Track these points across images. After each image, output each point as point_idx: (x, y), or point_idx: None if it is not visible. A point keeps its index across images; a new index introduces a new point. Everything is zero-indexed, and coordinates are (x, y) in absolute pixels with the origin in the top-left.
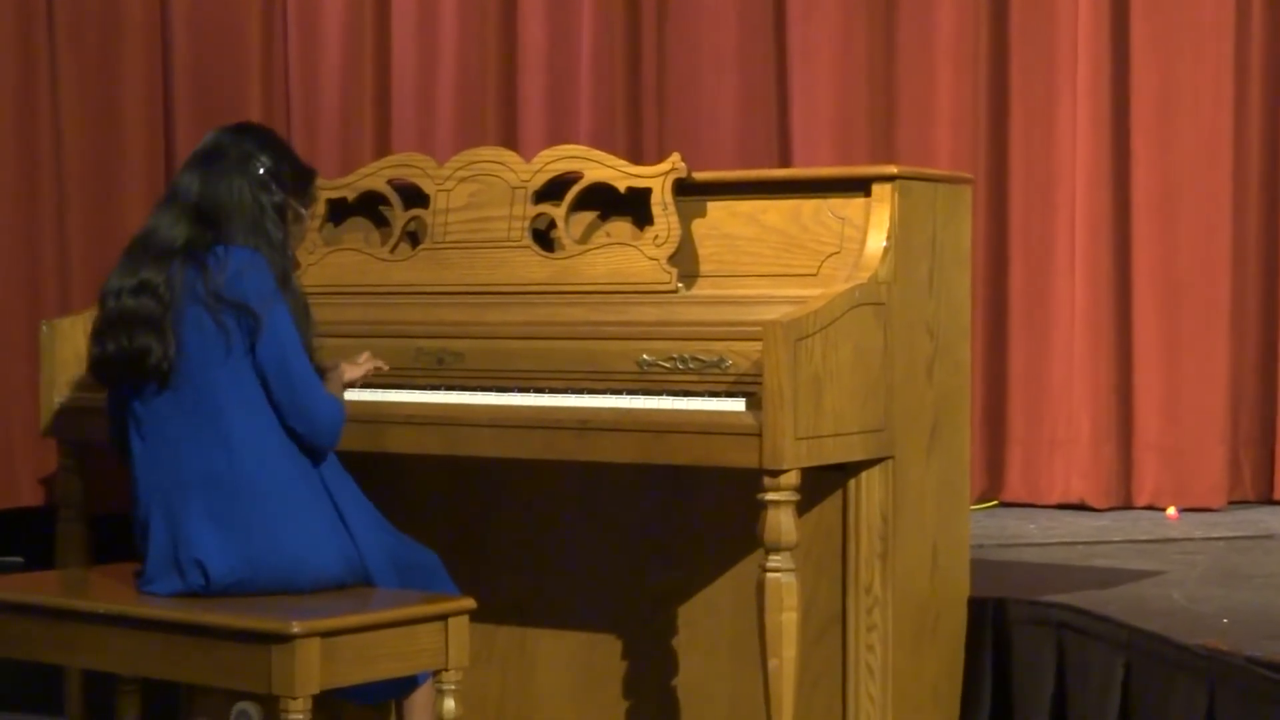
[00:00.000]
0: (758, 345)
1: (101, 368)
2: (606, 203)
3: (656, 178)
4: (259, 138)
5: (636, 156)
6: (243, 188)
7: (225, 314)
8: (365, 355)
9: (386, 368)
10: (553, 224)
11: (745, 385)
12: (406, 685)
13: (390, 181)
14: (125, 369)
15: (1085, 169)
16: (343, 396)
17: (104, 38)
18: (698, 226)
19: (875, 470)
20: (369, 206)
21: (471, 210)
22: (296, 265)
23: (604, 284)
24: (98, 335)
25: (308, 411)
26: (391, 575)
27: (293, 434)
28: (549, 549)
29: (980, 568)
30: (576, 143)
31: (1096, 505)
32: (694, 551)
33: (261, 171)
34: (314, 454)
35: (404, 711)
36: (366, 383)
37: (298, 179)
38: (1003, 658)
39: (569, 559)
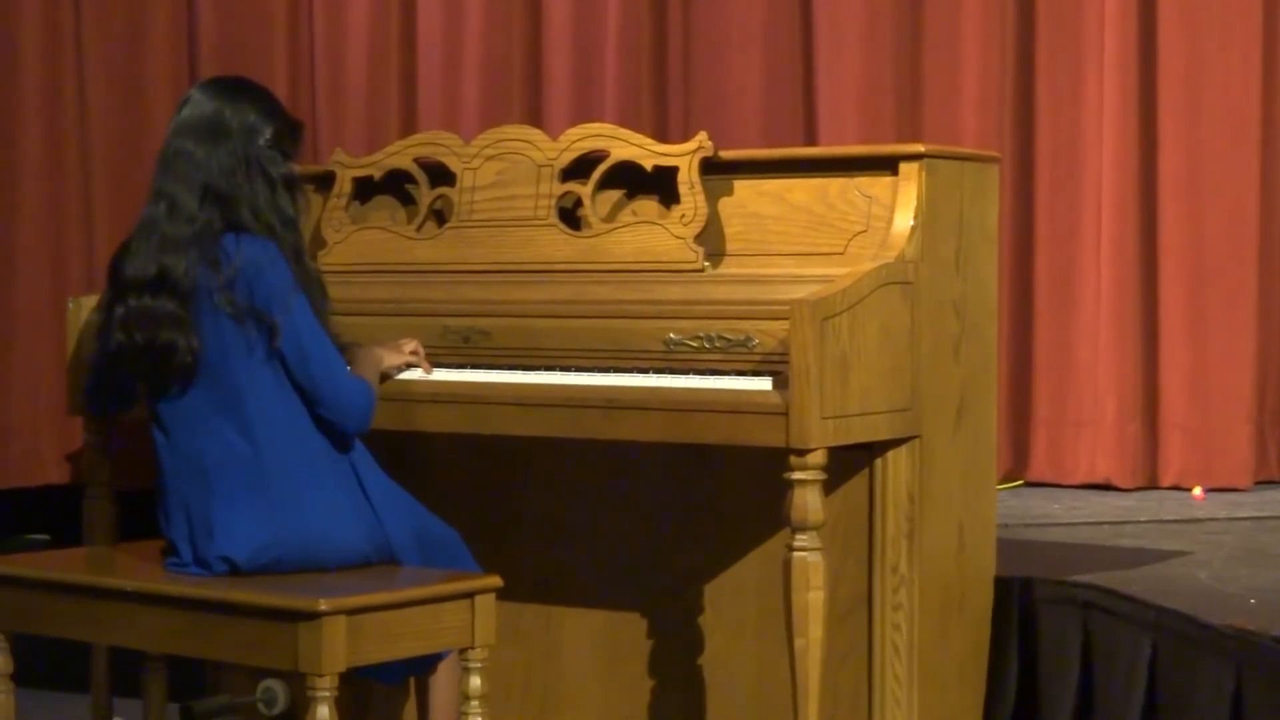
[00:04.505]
0: (784, 324)
1: (125, 359)
2: (633, 181)
3: (683, 156)
4: (258, 104)
5: (662, 134)
6: (254, 168)
7: (241, 316)
8: (413, 345)
9: (423, 353)
10: (579, 202)
11: (772, 364)
12: (428, 662)
13: (416, 160)
14: (150, 365)
15: (1112, 148)
16: (376, 380)
17: (130, 14)
18: (724, 205)
19: (902, 450)
20: (395, 185)
21: (498, 188)
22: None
23: (630, 263)
24: (122, 324)
25: (330, 398)
26: (415, 552)
27: (320, 419)
28: (575, 527)
29: (1006, 547)
30: (602, 121)
31: (1122, 485)
32: (720, 530)
33: (267, 145)
34: (342, 439)
35: (427, 689)
36: None
37: (294, 140)
38: (1029, 637)
39: (595, 537)
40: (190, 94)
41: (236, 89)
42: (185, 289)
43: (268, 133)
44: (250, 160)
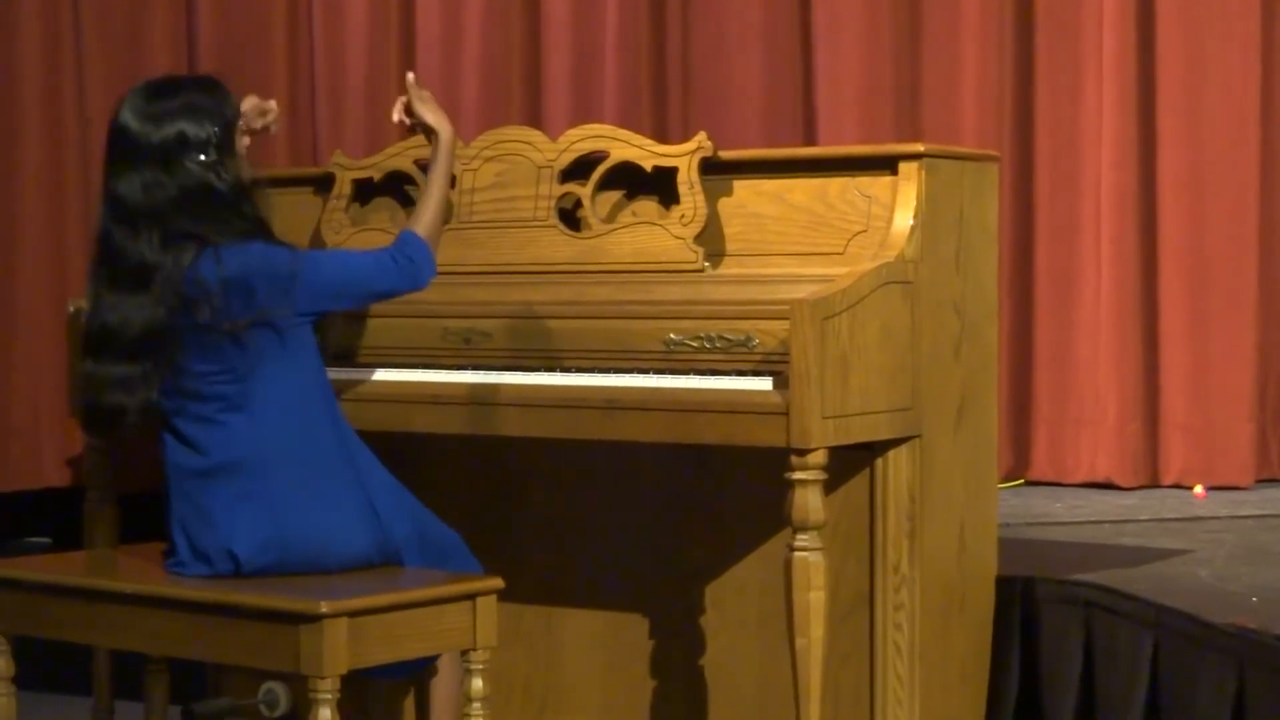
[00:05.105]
0: (784, 324)
1: (86, 423)
2: (633, 182)
3: (683, 157)
4: (183, 113)
5: (661, 134)
6: (197, 192)
7: (242, 330)
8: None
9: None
10: (579, 203)
11: (772, 364)
12: (430, 658)
13: (416, 161)
14: (109, 427)
15: (1111, 147)
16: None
17: (130, 16)
18: (724, 205)
19: (902, 449)
20: (395, 187)
21: (497, 190)
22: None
23: (630, 263)
24: (80, 386)
25: (401, 286)
26: (417, 554)
27: (323, 418)
28: (576, 528)
29: (1007, 547)
30: (601, 121)
31: (1123, 484)
32: (721, 530)
33: (205, 158)
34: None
35: (429, 691)
36: (392, 363)
37: (225, 118)
38: (1031, 636)
39: (596, 538)
40: (116, 118)
41: (157, 99)
42: (136, 339)
43: (200, 141)
44: (194, 184)
